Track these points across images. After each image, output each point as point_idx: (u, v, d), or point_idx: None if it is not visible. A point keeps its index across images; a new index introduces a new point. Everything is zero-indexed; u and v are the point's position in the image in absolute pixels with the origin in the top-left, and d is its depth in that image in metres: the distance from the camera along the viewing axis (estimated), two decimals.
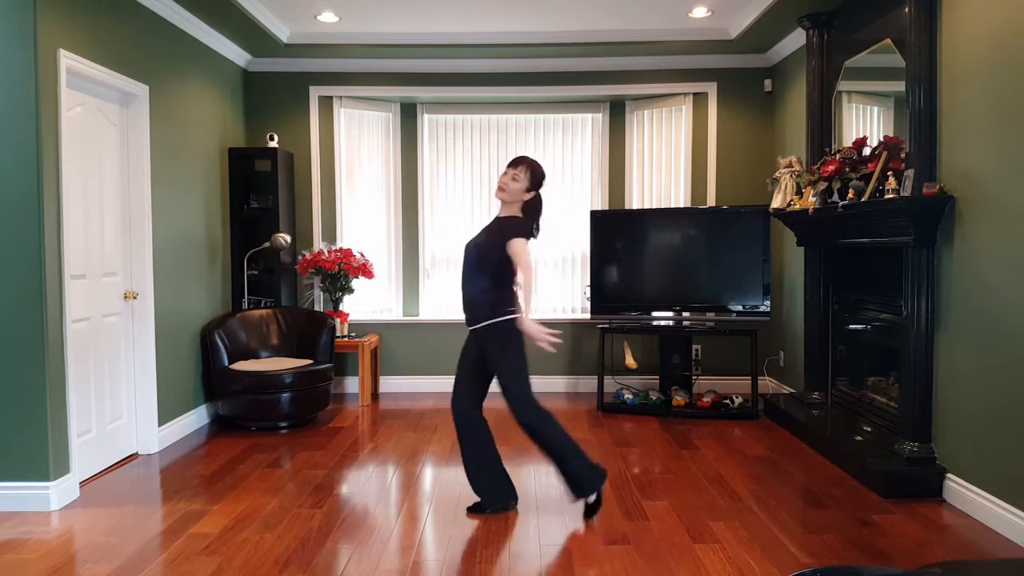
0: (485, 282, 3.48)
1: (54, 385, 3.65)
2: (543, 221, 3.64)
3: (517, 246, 3.41)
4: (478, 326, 3.49)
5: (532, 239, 3.55)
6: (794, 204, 4.91)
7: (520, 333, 3.43)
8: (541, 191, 3.58)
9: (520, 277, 3.45)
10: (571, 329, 6.36)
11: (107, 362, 4.25)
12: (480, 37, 5.67)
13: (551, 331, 3.34)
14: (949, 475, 3.67)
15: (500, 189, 3.55)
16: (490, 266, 3.46)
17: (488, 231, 3.58)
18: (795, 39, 5.48)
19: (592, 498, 3.50)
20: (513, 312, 3.45)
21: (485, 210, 6.46)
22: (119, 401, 4.38)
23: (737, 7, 5.12)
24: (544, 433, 3.46)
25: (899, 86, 4.00)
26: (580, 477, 3.46)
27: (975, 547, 3.15)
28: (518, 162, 3.54)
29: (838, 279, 4.95)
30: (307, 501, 3.71)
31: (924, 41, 3.73)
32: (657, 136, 6.34)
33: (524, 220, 3.55)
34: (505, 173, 3.54)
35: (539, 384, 6.26)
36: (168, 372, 4.77)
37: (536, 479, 4.04)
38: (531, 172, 3.52)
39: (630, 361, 5.85)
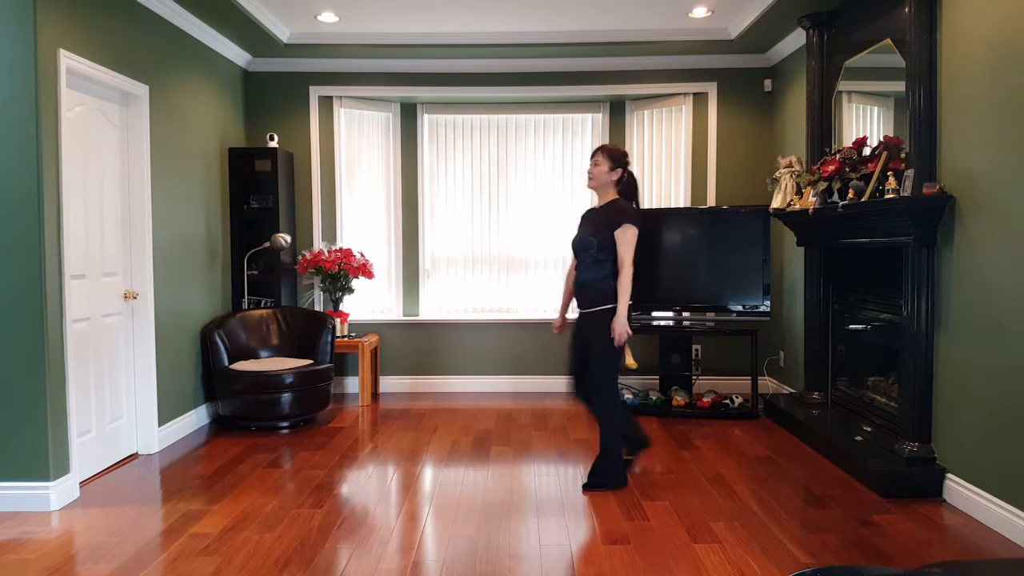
0: (608, 268, 3.80)
1: (54, 385, 3.65)
2: (641, 197, 4.08)
3: (627, 234, 3.78)
4: (591, 310, 3.82)
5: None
6: (794, 204, 4.91)
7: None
8: (629, 168, 3.93)
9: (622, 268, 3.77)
10: (570, 328, 6.34)
11: (107, 362, 4.25)
12: (480, 37, 5.67)
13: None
14: (949, 475, 3.67)
15: (589, 179, 3.91)
16: (612, 252, 3.79)
17: (600, 219, 3.85)
18: (795, 39, 5.48)
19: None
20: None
21: (485, 210, 6.46)
22: (119, 401, 4.38)
23: (737, 7, 5.12)
24: (607, 421, 3.86)
25: (899, 86, 4.00)
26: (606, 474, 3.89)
27: (975, 547, 3.15)
28: (595, 152, 3.91)
29: (838, 279, 4.95)
30: (307, 501, 3.71)
31: (924, 41, 3.73)
32: (657, 136, 6.34)
33: (630, 204, 3.88)
34: (591, 163, 3.90)
35: (539, 384, 6.29)
36: (168, 372, 4.77)
37: (536, 479, 4.04)
38: (608, 154, 3.87)
39: (630, 361, 5.80)
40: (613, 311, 3.73)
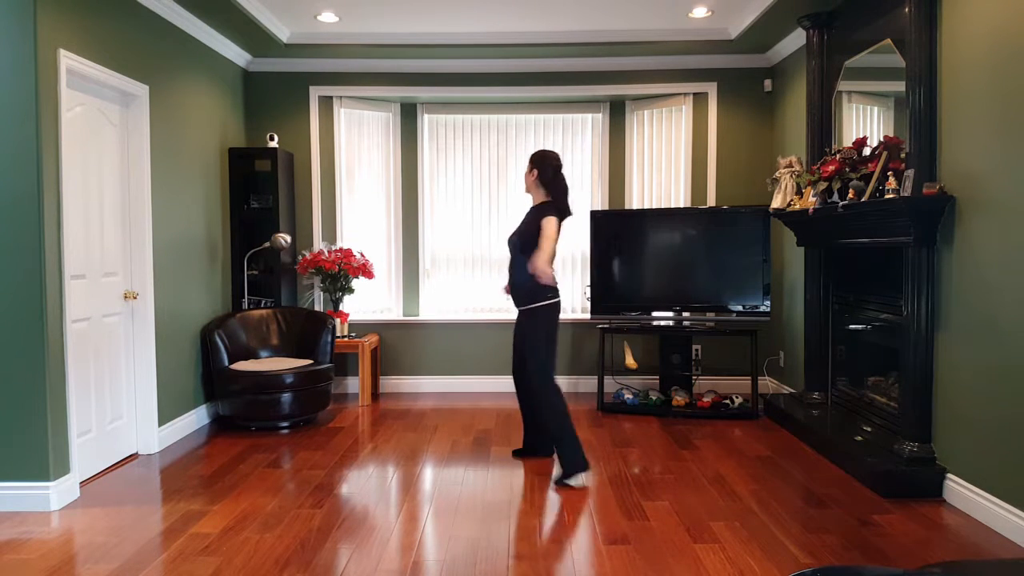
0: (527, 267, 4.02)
1: (54, 385, 3.65)
2: (570, 199, 4.22)
3: (545, 223, 3.98)
4: (524, 307, 4.12)
5: (567, 216, 4.14)
6: (794, 204, 4.91)
7: (548, 316, 4.09)
8: (554, 171, 4.14)
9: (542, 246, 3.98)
10: (571, 329, 6.36)
11: (107, 362, 4.25)
12: (480, 37, 5.68)
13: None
14: (949, 475, 3.67)
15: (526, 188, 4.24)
16: (530, 249, 4.01)
17: (525, 221, 4.16)
18: (795, 39, 5.49)
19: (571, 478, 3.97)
20: (551, 297, 4.07)
21: (485, 210, 6.46)
22: (119, 401, 4.38)
23: (737, 7, 5.12)
24: (547, 408, 4.06)
25: (899, 86, 4.00)
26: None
27: (975, 547, 3.15)
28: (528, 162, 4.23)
29: (838, 279, 4.95)
30: (307, 501, 3.71)
31: (924, 41, 3.73)
32: (657, 136, 6.34)
33: (551, 201, 4.12)
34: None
35: None
36: (168, 372, 4.77)
37: (536, 479, 4.04)
38: (531, 161, 4.19)
39: (630, 361, 5.85)
40: (540, 308, 4.05)
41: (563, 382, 6.36)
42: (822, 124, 4.96)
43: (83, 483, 3.98)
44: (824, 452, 4.42)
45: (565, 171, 6.37)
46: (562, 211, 4.10)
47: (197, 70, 5.23)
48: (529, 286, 4.01)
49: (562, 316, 6.36)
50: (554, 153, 4.18)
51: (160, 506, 3.66)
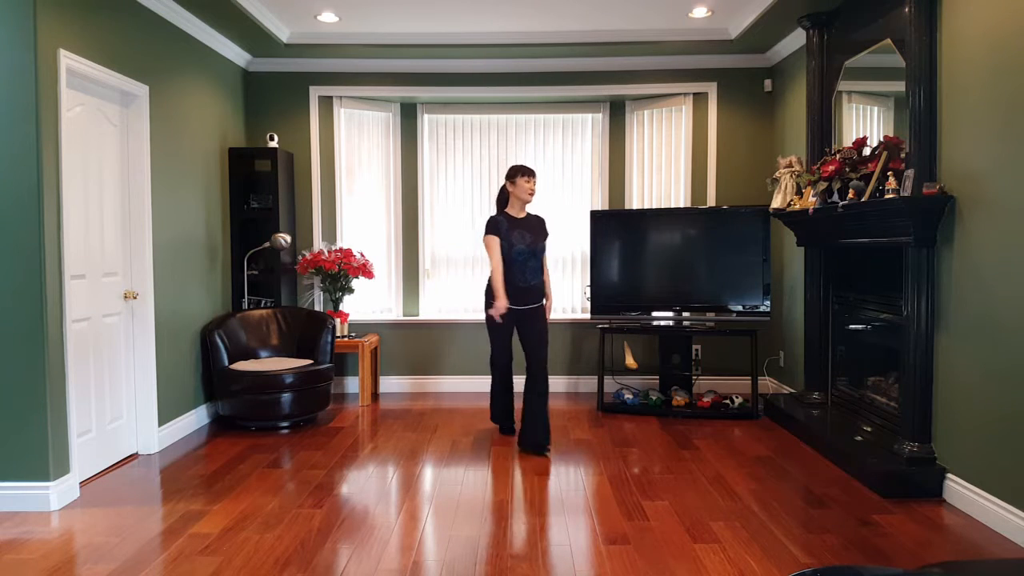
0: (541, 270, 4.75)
1: (54, 385, 3.65)
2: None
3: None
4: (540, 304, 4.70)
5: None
6: (794, 204, 4.91)
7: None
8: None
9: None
10: (571, 329, 6.36)
11: (107, 362, 4.25)
12: (480, 37, 5.68)
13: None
14: (949, 475, 3.67)
15: (532, 195, 4.70)
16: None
17: (537, 231, 4.71)
18: (795, 39, 5.49)
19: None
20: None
21: (485, 210, 6.46)
22: (119, 401, 4.38)
23: (737, 7, 5.12)
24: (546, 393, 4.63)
25: (899, 86, 4.00)
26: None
27: (975, 547, 3.15)
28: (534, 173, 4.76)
29: (838, 279, 4.95)
30: (307, 501, 3.71)
31: (924, 41, 3.73)
32: (657, 136, 6.34)
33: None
34: (534, 182, 4.70)
35: None
36: (168, 372, 4.77)
37: (536, 479, 4.04)
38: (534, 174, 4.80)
39: (630, 361, 5.85)
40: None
41: (563, 382, 6.37)
42: (822, 124, 4.96)
43: (83, 483, 3.98)
44: (824, 452, 4.42)
45: (564, 171, 6.64)
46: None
47: (197, 70, 5.23)
48: (543, 287, 4.71)
49: (562, 316, 6.45)
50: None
51: (160, 506, 3.66)
